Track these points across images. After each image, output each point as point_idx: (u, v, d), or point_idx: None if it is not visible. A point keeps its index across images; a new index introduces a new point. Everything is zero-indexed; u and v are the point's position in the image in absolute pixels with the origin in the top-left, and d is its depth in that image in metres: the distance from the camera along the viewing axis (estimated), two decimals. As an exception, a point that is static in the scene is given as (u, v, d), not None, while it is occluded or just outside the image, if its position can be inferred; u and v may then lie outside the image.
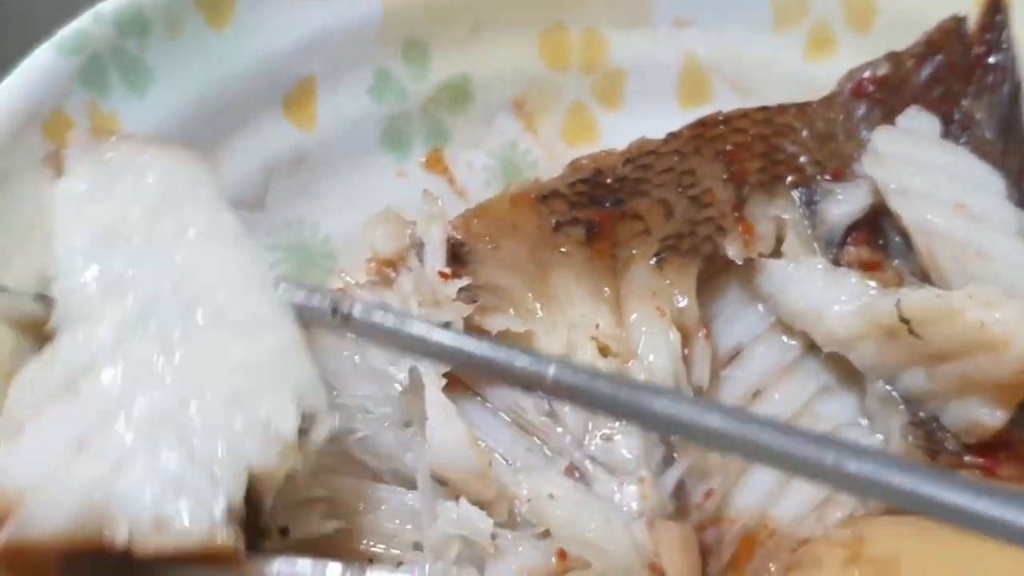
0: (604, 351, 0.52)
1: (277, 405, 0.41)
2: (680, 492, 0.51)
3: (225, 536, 0.38)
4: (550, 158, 0.61)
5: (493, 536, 0.46)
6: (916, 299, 0.50)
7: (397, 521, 0.47)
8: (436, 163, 0.60)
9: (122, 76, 0.50)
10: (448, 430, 0.48)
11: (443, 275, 0.51)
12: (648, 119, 0.59)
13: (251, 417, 0.40)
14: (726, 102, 0.60)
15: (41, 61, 0.48)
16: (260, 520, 0.41)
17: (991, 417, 0.50)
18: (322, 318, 0.45)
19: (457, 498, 0.46)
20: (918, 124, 0.58)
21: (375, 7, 0.57)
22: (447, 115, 0.60)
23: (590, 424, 0.51)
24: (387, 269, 0.54)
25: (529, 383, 0.42)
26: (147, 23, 0.51)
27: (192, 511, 0.38)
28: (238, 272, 0.44)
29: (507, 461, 0.51)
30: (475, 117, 0.60)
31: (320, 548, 0.44)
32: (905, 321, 0.50)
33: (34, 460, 0.39)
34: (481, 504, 0.47)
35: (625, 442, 0.51)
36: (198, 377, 0.41)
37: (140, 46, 0.51)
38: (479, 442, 0.50)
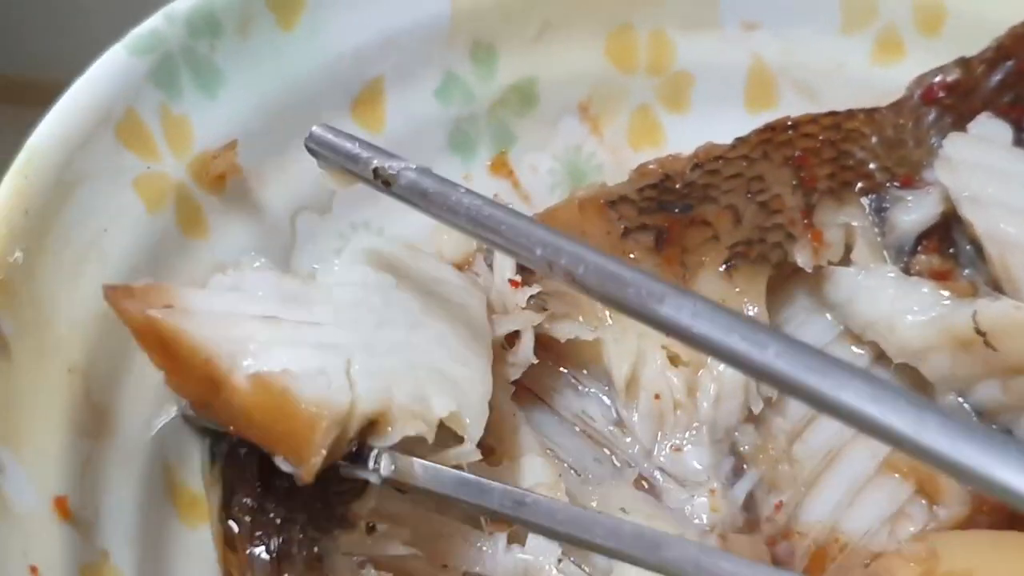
0: (674, 360, 0.51)
1: (442, 394, 0.44)
2: (750, 504, 0.51)
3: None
4: (615, 161, 0.60)
5: (559, 560, 0.46)
6: (993, 311, 0.49)
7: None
8: (501, 166, 0.59)
9: (193, 77, 0.49)
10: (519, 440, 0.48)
11: (513, 283, 0.51)
12: (714, 122, 0.59)
13: (417, 382, 0.44)
14: (793, 105, 0.59)
15: (113, 61, 0.47)
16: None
17: (1067, 431, 0.49)
18: (362, 174, 0.46)
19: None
20: (989, 131, 0.57)
21: (443, 9, 0.56)
22: (513, 117, 0.59)
23: (659, 434, 0.51)
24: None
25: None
26: (219, 24, 0.50)
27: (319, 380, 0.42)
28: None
29: (576, 472, 0.50)
30: (540, 119, 0.59)
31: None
32: (981, 333, 0.49)
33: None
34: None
35: (694, 453, 0.50)
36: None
37: (211, 47, 0.50)
38: (548, 451, 0.49)
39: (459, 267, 0.53)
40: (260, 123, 0.52)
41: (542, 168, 0.60)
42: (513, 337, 0.50)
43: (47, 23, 0.68)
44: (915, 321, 0.51)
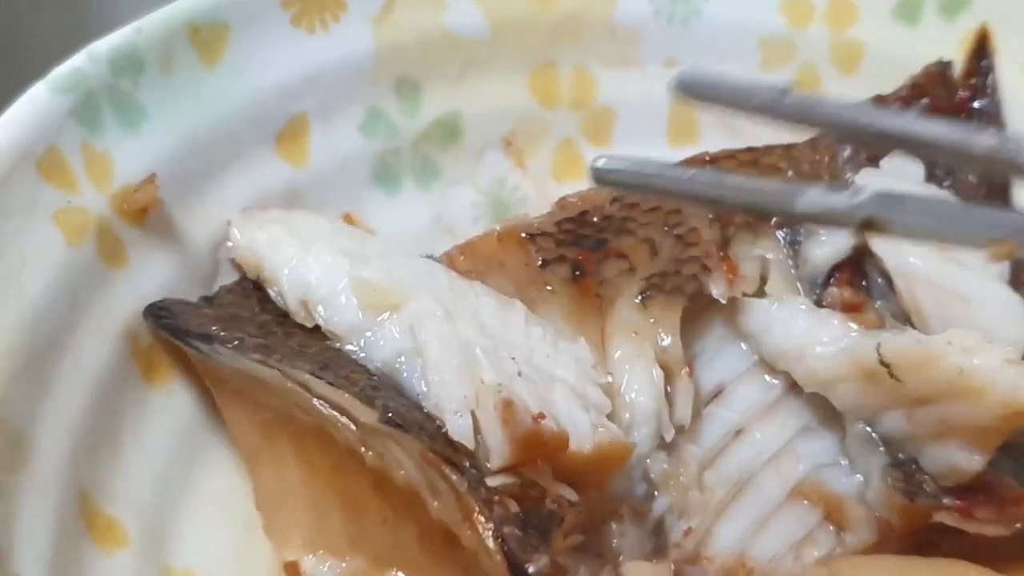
0: (587, 388, 0.52)
1: None
2: (659, 530, 0.52)
3: None
4: (539, 194, 0.61)
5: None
6: (896, 343, 0.50)
7: None
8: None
9: (116, 114, 0.50)
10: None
11: (430, 312, 0.52)
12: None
13: None
14: (714, 141, 0.61)
15: (35, 99, 0.48)
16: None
17: (969, 461, 0.50)
18: None
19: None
20: (902, 167, 0.58)
21: (368, 45, 0.57)
22: (437, 151, 0.60)
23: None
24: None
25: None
26: (142, 61, 0.51)
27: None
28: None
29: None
30: (465, 153, 0.61)
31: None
32: (885, 365, 0.50)
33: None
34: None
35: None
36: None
37: (134, 84, 0.51)
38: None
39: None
40: (183, 157, 0.53)
41: (466, 201, 0.61)
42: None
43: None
44: (824, 352, 0.52)
